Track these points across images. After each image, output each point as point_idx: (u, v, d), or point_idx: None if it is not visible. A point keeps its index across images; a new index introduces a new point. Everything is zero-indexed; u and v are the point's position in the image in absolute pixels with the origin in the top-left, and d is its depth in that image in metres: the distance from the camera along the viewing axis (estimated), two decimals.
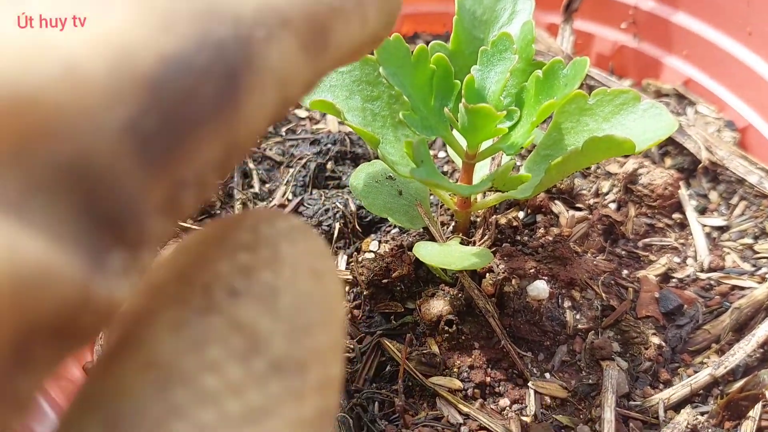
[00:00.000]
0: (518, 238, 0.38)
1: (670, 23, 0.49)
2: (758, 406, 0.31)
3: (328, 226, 0.40)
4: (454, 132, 0.34)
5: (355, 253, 0.40)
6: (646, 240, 0.41)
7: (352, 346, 0.36)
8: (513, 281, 0.35)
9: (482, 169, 0.38)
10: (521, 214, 0.40)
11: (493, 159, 0.40)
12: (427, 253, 0.32)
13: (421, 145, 0.29)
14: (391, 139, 0.35)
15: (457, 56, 0.35)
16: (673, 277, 0.39)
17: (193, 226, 0.38)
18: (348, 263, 0.39)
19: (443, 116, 0.33)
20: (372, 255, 0.39)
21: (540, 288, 0.35)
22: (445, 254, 0.33)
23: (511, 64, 0.33)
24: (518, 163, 0.43)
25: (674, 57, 0.49)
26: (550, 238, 0.38)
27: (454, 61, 0.34)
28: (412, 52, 0.33)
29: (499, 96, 0.33)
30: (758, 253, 0.40)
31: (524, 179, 0.30)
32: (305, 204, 0.42)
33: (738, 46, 0.46)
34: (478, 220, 0.39)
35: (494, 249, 0.37)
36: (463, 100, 0.32)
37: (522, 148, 0.32)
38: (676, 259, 0.40)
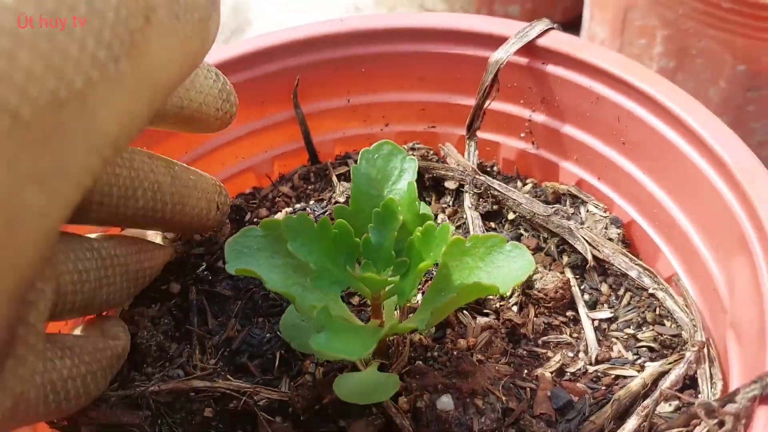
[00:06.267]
0: (429, 354, 0.45)
1: (560, 133, 0.56)
2: None
3: (271, 354, 0.47)
4: None
5: (296, 376, 0.46)
6: (545, 338, 0.47)
7: None
8: (425, 396, 0.42)
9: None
10: (433, 330, 0.47)
11: None
12: (345, 389, 0.39)
13: (322, 313, 0.36)
14: (308, 294, 0.42)
15: (357, 214, 0.42)
16: (567, 372, 0.46)
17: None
18: (289, 388, 0.46)
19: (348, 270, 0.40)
20: (310, 377, 0.46)
21: (445, 402, 0.41)
22: (360, 387, 0.40)
23: (398, 224, 0.40)
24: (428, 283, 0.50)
25: (567, 162, 0.57)
26: (455, 353, 0.44)
27: (355, 219, 0.41)
28: (317, 221, 0.40)
29: (391, 251, 0.40)
30: (640, 341, 0.47)
31: (412, 328, 0.37)
32: (251, 334, 0.49)
33: (615, 153, 0.53)
34: (396, 339, 0.45)
35: (408, 368, 0.44)
36: (357, 264, 0.39)
37: (411, 296, 0.39)
38: (570, 354, 0.47)
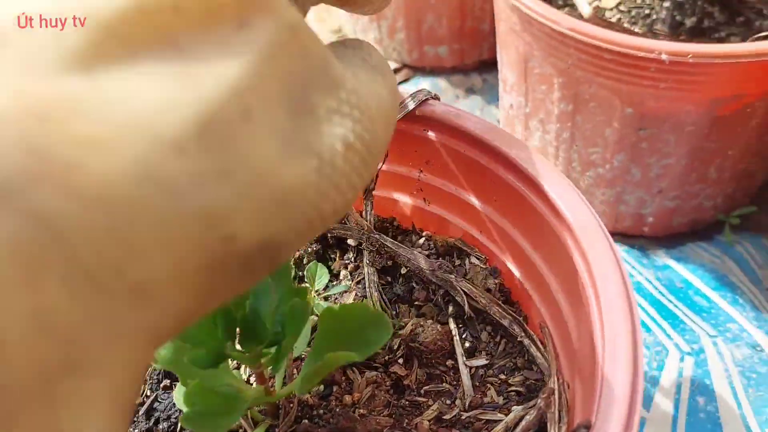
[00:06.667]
0: (315, 412, 0.49)
1: (444, 191, 0.61)
2: None
3: (175, 418, 0.51)
4: None
5: None
6: (427, 387, 0.52)
7: None
8: None
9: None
10: (322, 387, 0.51)
11: None
12: None
13: (193, 390, 0.40)
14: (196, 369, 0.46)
15: None
16: (444, 419, 0.50)
17: None
18: None
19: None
20: None
21: None
22: None
23: (274, 300, 0.45)
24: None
25: (454, 216, 0.62)
26: (338, 409, 0.49)
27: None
28: None
29: (266, 325, 0.45)
30: (511, 386, 0.52)
31: (284, 396, 0.42)
32: (159, 399, 0.53)
33: (490, 210, 0.58)
34: (283, 401, 0.50)
35: (294, 427, 0.48)
36: (235, 341, 0.43)
37: (287, 362, 0.44)
38: (448, 401, 0.51)
